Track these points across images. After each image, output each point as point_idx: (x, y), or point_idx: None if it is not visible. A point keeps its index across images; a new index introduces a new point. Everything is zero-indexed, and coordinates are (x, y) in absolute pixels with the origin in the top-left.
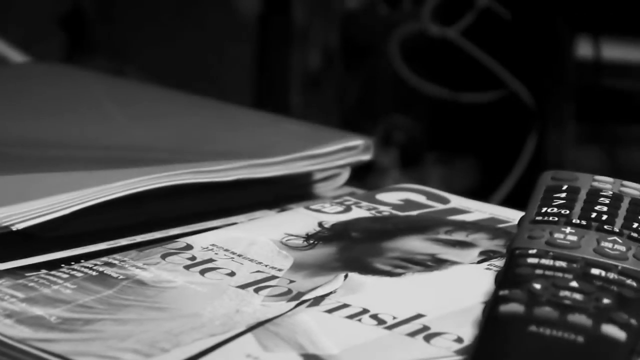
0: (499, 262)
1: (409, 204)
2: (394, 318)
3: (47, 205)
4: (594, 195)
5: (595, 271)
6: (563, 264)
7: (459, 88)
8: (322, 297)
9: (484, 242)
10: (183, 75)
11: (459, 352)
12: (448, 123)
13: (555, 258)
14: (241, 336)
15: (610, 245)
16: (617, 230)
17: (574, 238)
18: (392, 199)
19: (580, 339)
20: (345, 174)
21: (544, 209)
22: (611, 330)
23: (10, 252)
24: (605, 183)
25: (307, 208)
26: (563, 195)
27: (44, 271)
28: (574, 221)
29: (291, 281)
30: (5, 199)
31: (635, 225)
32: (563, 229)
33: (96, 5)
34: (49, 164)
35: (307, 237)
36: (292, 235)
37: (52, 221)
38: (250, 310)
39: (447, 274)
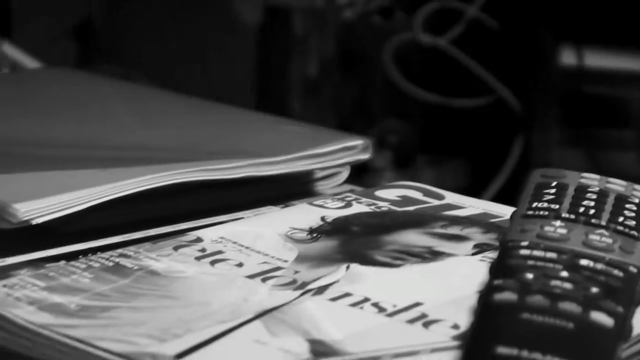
0: (492, 254)
1: (406, 200)
2: (394, 306)
3: (64, 200)
4: (582, 191)
5: (583, 262)
6: (553, 255)
7: (450, 94)
8: (325, 287)
9: (478, 235)
10: (187, 81)
11: (455, 338)
12: (439, 127)
13: (546, 250)
14: (249, 323)
15: (597, 238)
16: (604, 224)
17: (563, 231)
18: (390, 195)
19: (570, 325)
20: (345, 173)
21: (534, 204)
22: (599, 317)
23: (31, 244)
24: (592, 180)
25: (310, 204)
26: (552, 191)
27: (62, 262)
28: (563, 215)
29: (296, 272)
30: (25, 195)
31: (621, 219)
32: (553, 223)
33: (105, 16)
34: (65, 162)
35: (311, 230)
36: (296, 229)
37: (70, 216)
38: (257, 299)
39: (443, 265)
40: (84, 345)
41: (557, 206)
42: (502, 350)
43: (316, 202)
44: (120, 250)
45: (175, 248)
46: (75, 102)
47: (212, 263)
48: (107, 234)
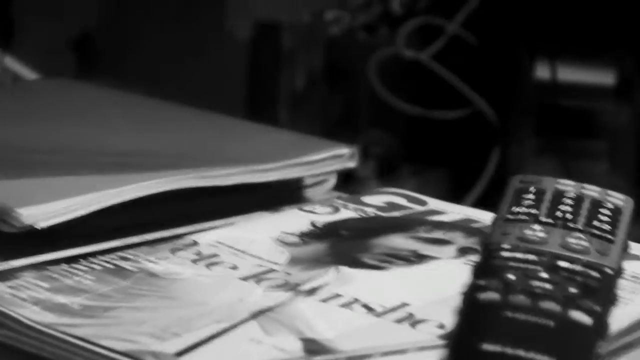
0: (474, 257)
1: (391, 206)
2: (382, 306)
3: (66, 205)
4: (559, 196)
5: (562, 264)
6: (534, 257)
7: (431, 106)
8: (317, 288)
9: (460, 239)
10: (182, 92)
11: (441, 337)
12: (421, 138)
13: (526, 252)
14: (245, 322)
15: (574, 241)
16: (581, 228)
17: (542, 234)
18: (376, 201)
19: (550, 323)
20: (333, 180)
21: (514, 209)
22: (578, 315)
23: (34, 247)
24: (568, 186)
25: (300, 209)
26: (531, 196)
27: (65, 265)
28: (541, 219)
29: (288, 274)
30: (28, 200)
31: (596, 223)
32: (532, 226)
33: (104, 30)
34: (66, 168)
35: (302, 234)
36: (287, 233)
37: (71, 220)
38: (252, 300)
39: (427, 267)
40: (87, 343)
41: (536, 211)
42: (487, 347)
43: (306, 208)
44: (120, 253)
45: (173, 251)
46: (75, 111)
47: (208, 266)
48: (107, 238)
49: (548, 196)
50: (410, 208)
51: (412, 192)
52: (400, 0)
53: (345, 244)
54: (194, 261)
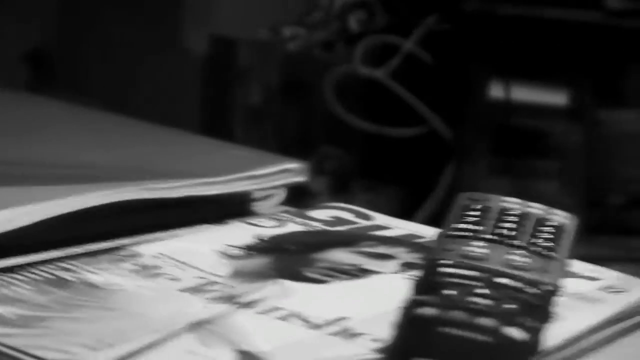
0: (417, 272)
1: (337, 221)
2: (321, 320)
3: (9, 216)
4: (503, 214)
5: (502, 280)
6: (475, 273)
7: (386, 123)
8: (256, 301)
9: (403, 254)
10: (137, 107)
11: (377, 351)
12: (375, 154)
13: (467, 268)
14: (182, 334)
15: (516, 257)
16: (523, 245)
17: (485, 251)
18: (322, 215)
19: (486, 339)
20: (282, 194)
21: (458, 225)
22: (513, 332)
23: None
24: (514, 204)
25: (246, 222)
26: (476, 213)
27: (5, 275)
28: (485, 236)
29: (230, 286)
30: None
31: (539, 241)
32: (475, 243)
33: (58, 44)
34: (11, 179)
35: (246, 247)
36: (232, 246)
37: (12, 231)
38: (192, 312)
39: (369, 282)
40: (19, 353)
41: (480, 227)
42: None
43: (251, 221)
44: (61, 264)
45: (114, 262)
46: (26, 124)
47: (150, 277)
48: (49, 248)
49: (493, 214)
50: (356, 223)
51: (365, 208)
52: (357, 18)
53: (289, 258)
54: (136, 272)
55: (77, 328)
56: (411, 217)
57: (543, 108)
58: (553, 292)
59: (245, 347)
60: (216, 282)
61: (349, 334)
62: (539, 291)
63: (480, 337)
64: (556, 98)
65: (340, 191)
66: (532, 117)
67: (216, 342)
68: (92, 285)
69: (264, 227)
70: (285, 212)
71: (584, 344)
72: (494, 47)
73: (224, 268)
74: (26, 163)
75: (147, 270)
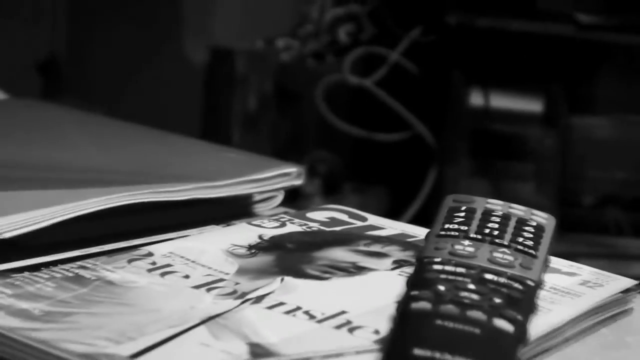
0: (409, 269)
1: (334, 221)
2: (323, 314)
3: (30, 217)
4: (488, 214)
5: (488, 276)
6: (463, 270)
7: (373, 129)
8: (263, 296)
9: (396, 252)
10: (141, 112)
11: (377, 342)
12: (363, 158)
13: (456, 265)
14: (195, 328)
15: (500, 255)
16: (506, 244)
17: (471, 249)
18: (320, 217)
19: (476, 330)
20: (280, 197)
21: (447, 225)
22: (502, 323)
23: None
24: (497, 205)
25: (249, 223)
26: (462, 214)
27: (27, 273)
28: (471, 235)
29: (237, 283)
30: None
31: (521, 239)
32: (462, 242)
33: (68, 54)
34: (31, 183)
35: (250, 247)
36: (237, 245)
37: (35, 231)
38: (203, 307)
39: (366, 278)
40: (47, 346)
41: (467, 227)
42: (418, 352)
43: (254, 222)
44: (79, 263)
45: (129, 261)
46: (42, 129)
47: (162, 275)
48: (67, 248)
49: (478, 214)
50: (351, 223)
51: (354, 208)
52: (346, 30)
53: (290, 256)
54: (149, 270)
55: (98, 322)
56: (398, 216)
57: (519, 114)
58: (536, 286)
59: (255, 339)
60: (223, 279)
61: (350, 327)
62: (522, 286)
63: (472, 328)
64: (531, 105)
65: (332, 192)
66: (509, 122)
67: (227, 335)
68: (110, 283)
69: (266, 228)
70: (285, 213)
71: (565, 334)
72: (473, 58)
73: (230, 266)
74: (44, 167)
75: (160, 269)
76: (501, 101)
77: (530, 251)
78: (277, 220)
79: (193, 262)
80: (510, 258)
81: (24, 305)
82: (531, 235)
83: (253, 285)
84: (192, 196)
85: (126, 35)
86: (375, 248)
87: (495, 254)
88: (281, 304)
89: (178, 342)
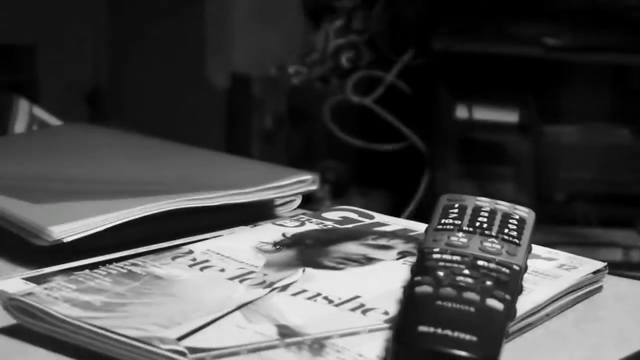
0: (412, 259)
1: (346, 220)
2: (339, 298)
3: (87, 224)
4: (477, 210)
5: (480, 263)
6: (458, 258)
7: (374, 140)
8: (287, 285)
9: (400, 245)
10: (173, 133)
11: (387, 322)
12: (366, 166)
13: (452, 254)
14: (231, 313)
15: (490, 244)
16: (494, 234)
17: (464, 240)
18: (334, 216)
19: (471, 309)
20: (298, 200)
21: (443, 220)
22: (493, 303)
23: (62, 257)
24: (484, 202)
25: (274, 223)
26: (455, 210)
27: (87, 270)
28: (464, 228)
29: (265, 274)
30: (57, 219)
31: (506, 230)
32: (457, 234)
33: (110, 85)
34: (87, 194)
35: (275, 243)
36: (264, 242)
37: (92, 235)
38: (237, 295)
39: (375, 267)
40: (107, 332)
41: (460, 222)
42: (422, 329)
43: (278, 222)
44: (131, 261)
45: (173, 258)
46: (91, 149)
47: (201, 269)
48: (120, 249)
49: (469, 210)
50: (361, 221)
51: (361, 209)
52: (347, 57)
53: (309, 251)
54: (190, 266)
55: (149, 311)
56: (398, 215)
57: (498, 124)
58: (520, 270)
59: (283, 322)
60: (254, 272)
61: (364, 309)
62: (509, 270)
63: (467, 307)
64: (508, 116)
65: (339, 196)
66: (490, 132)
67: (259, 319)
68: (158, 277)
69: (288, 227)
70: (304, 214)
71: (546, 310)
72: (458, 77)
73: (259, 260)
74: (96, 181)
75: (199, 264)
76: (483, 114)
77: (515, 240)
78: (297, 220)
79: (227, 257)
80: (498, 246)
81: (86, 297)
82: (515, 227)
83: (279, 276)
84: (224, 202)
85: (157, 67)
86: (382, 241)
87: (485, 244)
88: (303, 291)
89: (217, 325)
